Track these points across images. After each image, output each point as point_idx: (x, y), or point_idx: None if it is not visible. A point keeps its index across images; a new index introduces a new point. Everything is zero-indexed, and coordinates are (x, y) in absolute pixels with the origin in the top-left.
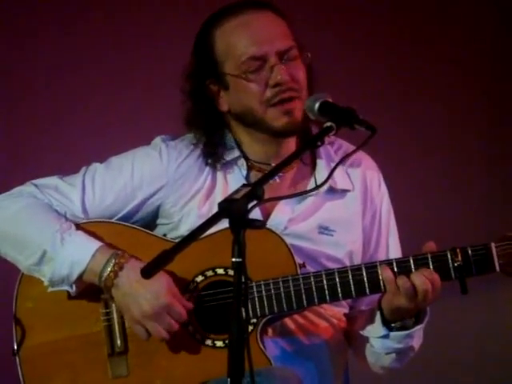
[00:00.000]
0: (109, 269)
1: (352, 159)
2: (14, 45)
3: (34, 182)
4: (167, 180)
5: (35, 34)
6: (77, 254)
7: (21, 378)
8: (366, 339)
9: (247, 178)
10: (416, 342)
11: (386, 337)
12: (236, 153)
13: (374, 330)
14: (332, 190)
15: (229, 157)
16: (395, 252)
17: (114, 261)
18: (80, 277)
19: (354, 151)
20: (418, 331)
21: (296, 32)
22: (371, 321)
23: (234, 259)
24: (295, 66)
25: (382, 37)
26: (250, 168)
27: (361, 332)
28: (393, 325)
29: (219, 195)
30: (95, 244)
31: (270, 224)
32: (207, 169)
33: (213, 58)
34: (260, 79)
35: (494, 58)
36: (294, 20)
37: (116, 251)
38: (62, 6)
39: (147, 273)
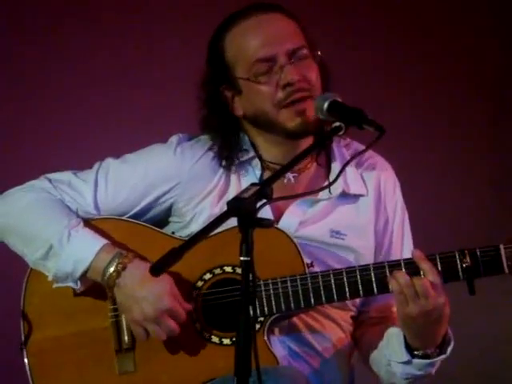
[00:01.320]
0: (112, 268)
1: (367, 163)
2: (22, 42)
3: (47, 176)
4: (180, 180)
5: (40, 32)
6: (81, 252)
7: (28, 373)
8: (380, 356)
9: (261, 178)
10: (434, 370)
11: (408, 363)
12: (251, 153)
13: (396, 355)
14: (345, 195)
15: (243, 157)
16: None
17: (117, 260)
18: (84, 274)
19: (362, 151)
20: (440, 360)
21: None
22: (392, 343)
23: (242, 258)
24: (306, 65)
25: (386, 36)
26: (264, 169)
27: (383, 354)
28: (416, 353)
29: (232, 196)
30: (100, 242)
31: (280, 226)
32: (221, 169)
33: (225, 63)
34: (271, 81)
35: (496, 55)
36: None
37: (120, 251)
38: (69, 4)
39: (156, 270)
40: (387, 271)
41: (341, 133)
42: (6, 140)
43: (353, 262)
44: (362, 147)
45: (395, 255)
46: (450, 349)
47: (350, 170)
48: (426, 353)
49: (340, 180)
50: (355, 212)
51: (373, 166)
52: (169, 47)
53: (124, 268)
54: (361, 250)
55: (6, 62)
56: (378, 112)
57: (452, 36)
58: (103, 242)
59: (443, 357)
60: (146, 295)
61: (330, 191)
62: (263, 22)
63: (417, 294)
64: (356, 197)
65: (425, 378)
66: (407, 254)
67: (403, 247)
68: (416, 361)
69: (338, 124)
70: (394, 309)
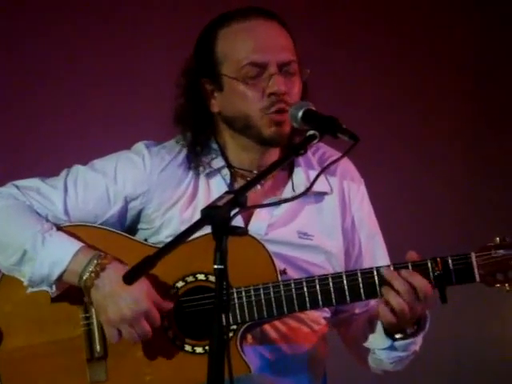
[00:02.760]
0: (90, 269)
1: (329, 161)
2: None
3: (15, 183)
4: (149, 186)
5: (26, 35)
6: (57, 254)
7: None
8: (365, 347)
9: (230, 185)
10: (418, 346)
11: (391, 348)
12: (220, 162)
13: (378, 342)
14: (309, 194)
15: (213, 165)
16: (382, 253)
17: (95, 261)
18: (60, 277)
19: (336, 160)
20: (420, 336)
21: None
22: (372, 332)
23: (216, 266)
24: (292, 80)
25: (369, 44)
26: (233, 176)
27: (365, 344)
28: (396, 336)
29: (202, 201)
30: (77, 244)
31: (250, 230)
32: (190, 175)
33: (212, 57)
34: (257, 86)
35: (478, 63)
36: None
37: (98, 252)
38: (56, 6)
39: (129, 279)
40: (359, 278)
41: (315, 141)
42: None
43: (325, 263)
44: (325, 146)
45: (367, 250)
46: (427, 324)
47: (312, 169)
48: (406, 333)
49: (303, 179)
50: (321, 210)
51: (335, 164)
52: (145, 53)
53: (103, 269)
54: (331, 250)
55: None
56: (355, 117)
57: (429, 35)
58: (79, 244)
59: (422, 333)
60: (124, 296)
61: (293, 190)
62: (260, 27)
63: (418, 298)
64: (321, 195)
65: (410, 356)
66: (378, 247)
67: (374, 247)
68: (398, 343)
69: (312, 132)
70: (373, 302)
